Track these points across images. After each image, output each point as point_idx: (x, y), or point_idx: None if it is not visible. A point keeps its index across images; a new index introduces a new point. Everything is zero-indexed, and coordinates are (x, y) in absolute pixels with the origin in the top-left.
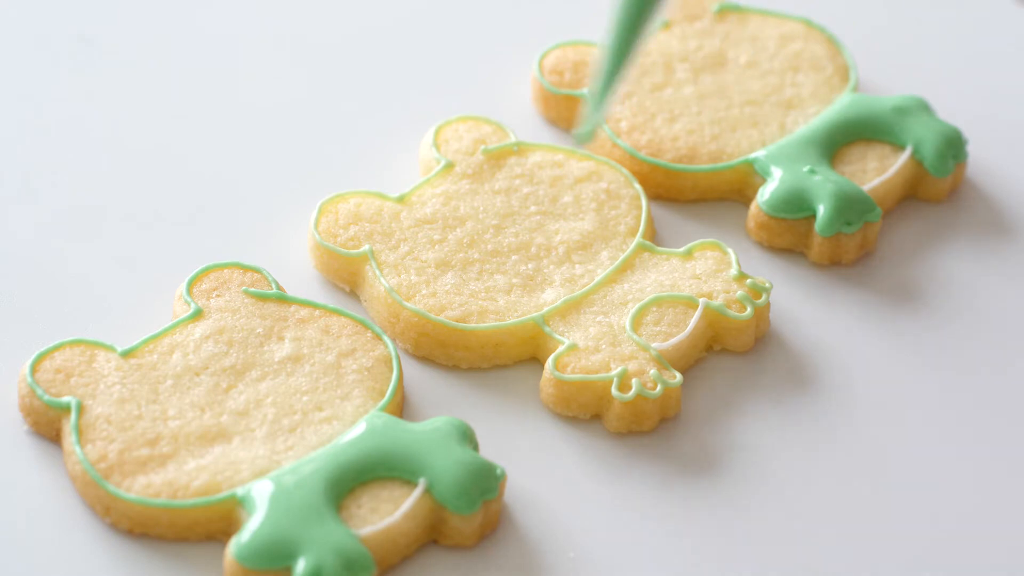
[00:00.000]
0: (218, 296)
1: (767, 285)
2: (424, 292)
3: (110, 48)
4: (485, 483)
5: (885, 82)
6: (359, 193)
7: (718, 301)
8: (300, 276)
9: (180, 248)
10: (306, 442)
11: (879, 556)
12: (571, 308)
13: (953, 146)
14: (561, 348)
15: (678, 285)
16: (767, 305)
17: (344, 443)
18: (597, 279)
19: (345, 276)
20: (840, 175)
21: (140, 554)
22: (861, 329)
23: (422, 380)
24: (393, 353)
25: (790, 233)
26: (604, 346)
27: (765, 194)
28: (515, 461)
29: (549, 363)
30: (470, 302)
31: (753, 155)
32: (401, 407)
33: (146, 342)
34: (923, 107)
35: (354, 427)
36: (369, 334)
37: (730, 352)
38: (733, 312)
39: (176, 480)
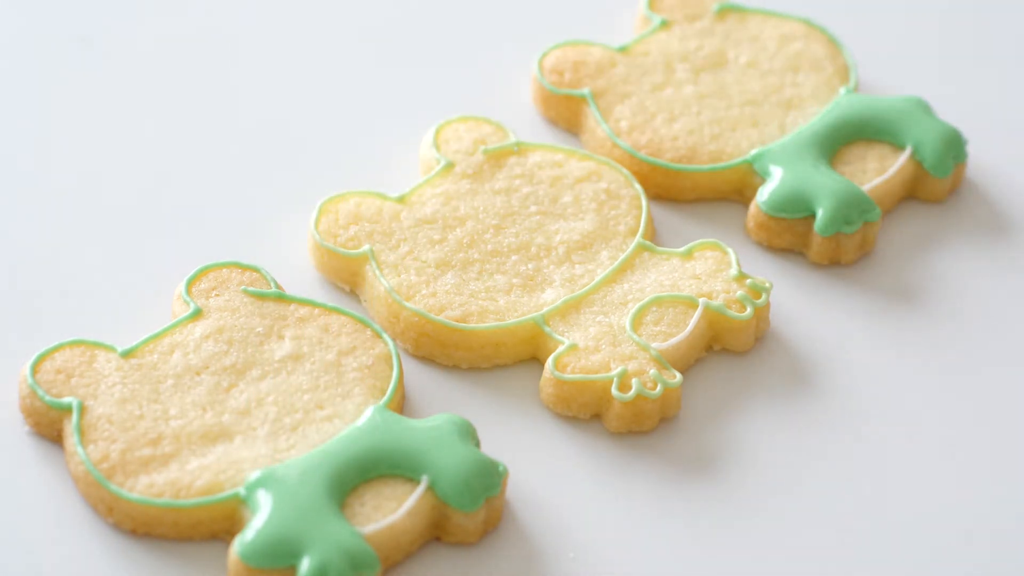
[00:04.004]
0: (217, 295)
1: (767, 285)
2: (424, 292)
3: (110, 49)
4: (487, 480)
5: (885, 82)
6: (359, 193)
7: (718, 301)
8: (300, 276)
9: (181, 248)
10: (308, 440)
11: (879, 555)
12: (571, 308)
13: (953, 146)
14: (561, 348)
15: (678, 285)
16: (767, 305)
17: (346, 441)
18: (597, 279)
19: (345, 276)
20: (839, 175)
21: (143, 554)
22: (861, 329)
23: (422, 379)
24: (393, 351)
25: (789, 233)
26: (604, 346)
27: (764, 194)
28: (515, 461)
29: (549, 363)
30: (470, 302)
31: (753, 154)
32: (402, 405)
33: (146, 342)
34: (923, 107)
35: (355, 424)
36: (369, 332)
37: (730, 352)
38: (733, 312)
39: (179, 480)
